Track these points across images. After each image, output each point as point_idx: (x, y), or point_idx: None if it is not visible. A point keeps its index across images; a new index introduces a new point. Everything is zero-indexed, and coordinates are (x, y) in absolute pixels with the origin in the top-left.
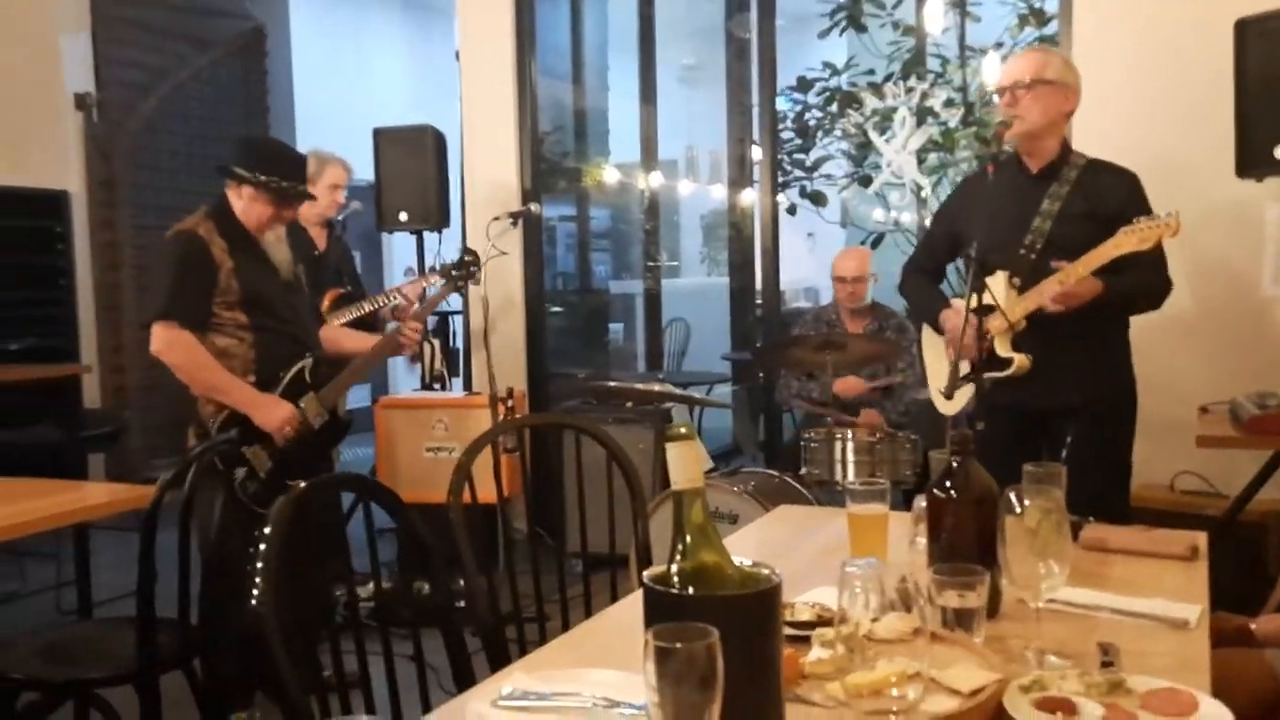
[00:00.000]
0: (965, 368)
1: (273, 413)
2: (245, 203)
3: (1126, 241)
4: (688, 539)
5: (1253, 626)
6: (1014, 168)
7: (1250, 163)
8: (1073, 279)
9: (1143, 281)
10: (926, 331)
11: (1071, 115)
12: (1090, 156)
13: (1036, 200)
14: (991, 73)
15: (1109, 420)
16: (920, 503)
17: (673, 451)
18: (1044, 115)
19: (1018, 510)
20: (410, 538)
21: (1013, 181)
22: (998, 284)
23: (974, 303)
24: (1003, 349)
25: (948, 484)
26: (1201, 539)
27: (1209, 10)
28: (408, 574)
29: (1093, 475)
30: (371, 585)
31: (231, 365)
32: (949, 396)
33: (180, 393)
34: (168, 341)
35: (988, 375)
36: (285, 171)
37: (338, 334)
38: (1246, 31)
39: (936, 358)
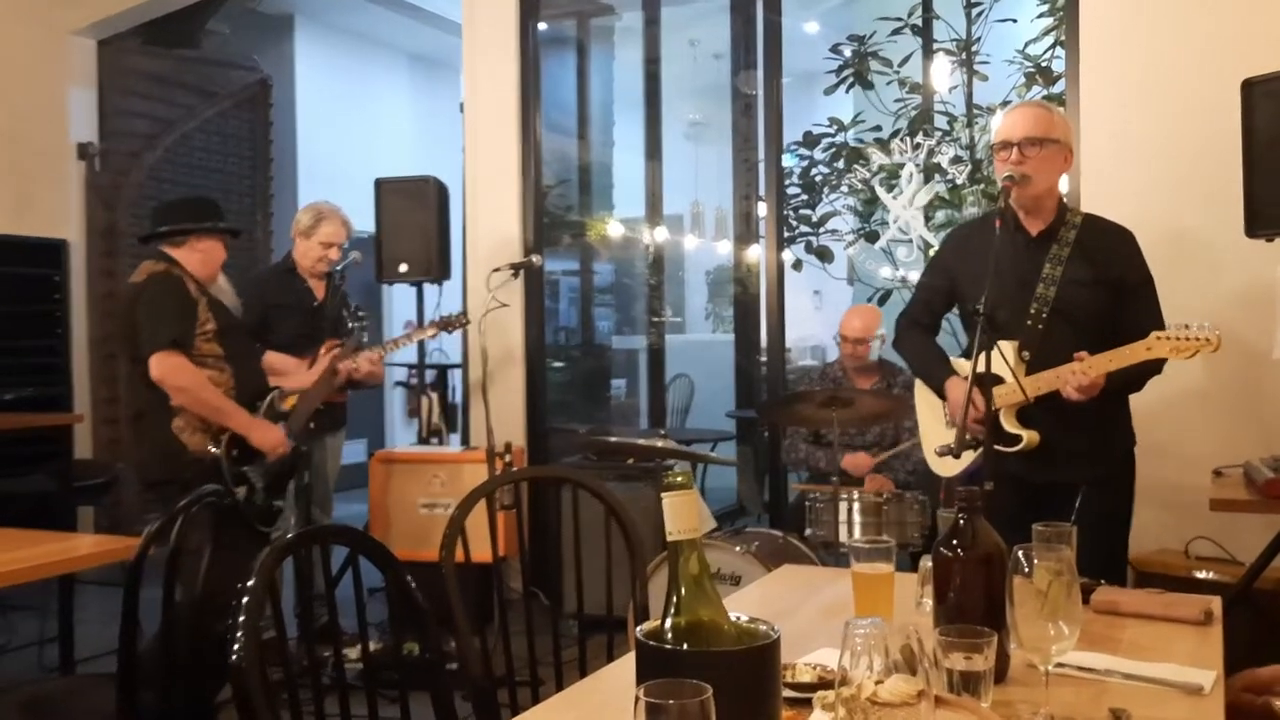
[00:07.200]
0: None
1: (271, 433)
2: (205, 253)
3: (1160, 349)
4: (682, 592)
5: (1277, 704)
6: (1011, 227)
7: (1259, 223)
8: (1095, 373)
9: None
10: (921, 388)
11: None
12: (1085, 212)
13: (1037, 263)
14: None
15: (1114, 488)
16: (926, 562)
17: (669, 500)
18: (1051, 175)
19: (1027, 571)
20: (400, 594)
21: (1011, 242)
22: (1006, 355)
23: (981, 367)
24: (1009, 424)
25: (954, 543)
26: (1216, 603)
27: (1216, 70)
28: (397, 634)
29: (1095, 542)
30: (359, 646)
31: None
32: (954, 455)
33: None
34: (173, 367)
35: (994, 449)
36: (221, 215)
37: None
38: (1254, 92)
39: (933, 418)
